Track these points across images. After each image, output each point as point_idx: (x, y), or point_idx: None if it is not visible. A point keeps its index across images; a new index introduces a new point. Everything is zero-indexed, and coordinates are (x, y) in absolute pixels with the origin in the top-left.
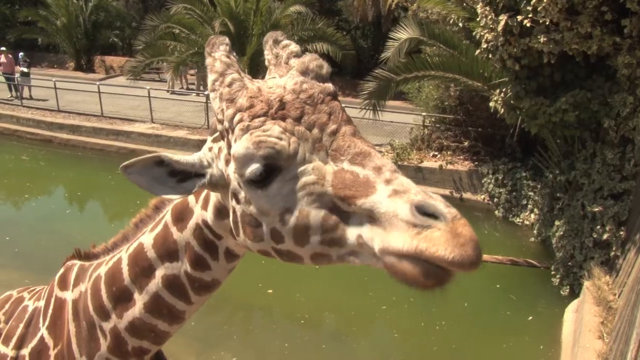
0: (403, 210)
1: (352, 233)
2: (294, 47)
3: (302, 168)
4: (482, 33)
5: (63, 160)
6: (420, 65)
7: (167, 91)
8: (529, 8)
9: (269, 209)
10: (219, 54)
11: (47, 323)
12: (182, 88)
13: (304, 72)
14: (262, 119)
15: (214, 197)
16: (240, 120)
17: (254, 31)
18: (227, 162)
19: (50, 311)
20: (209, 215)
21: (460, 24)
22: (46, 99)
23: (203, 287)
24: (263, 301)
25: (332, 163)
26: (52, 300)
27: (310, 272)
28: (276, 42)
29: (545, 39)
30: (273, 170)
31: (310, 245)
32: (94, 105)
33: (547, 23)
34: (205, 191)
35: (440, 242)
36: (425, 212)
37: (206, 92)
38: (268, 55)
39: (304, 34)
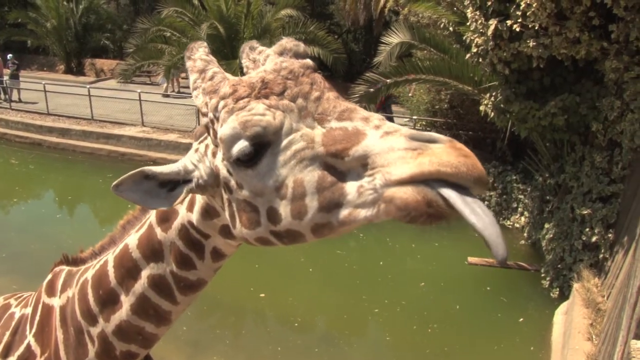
0: (398, 142)
1: (351, 187)
2: (270, 50)
3: (290, 137)
4: (472, 37)
5: (53, 164)
6: (411, 69)
7: (163, 95)
8: (519, 13)
9: (262, 188)
10: (198, 54)
11: (34, 330)
12: (173, 91)
13: (282, 53)
14: (246, 99)
15: (201, 198)
16: (225, 106)
17: (245, 34)
18: (215, 154)
19: (37, 318)
20: (195, 217)
21: (451, 28)
22: (36, 102)
23: (188, 287)
24: (255, 305)
25: (319, 127)
26: (40, 307)
27: (303, 275)
28: (252, 48)
29: (534, 44)
30: (262, 146)
31: (309, 216)
32: (84, 108)
33: (536, 28)
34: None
35: (444, 154)
36: (420, 140)
37: None
38: (245, 62)
39: (295, 38)
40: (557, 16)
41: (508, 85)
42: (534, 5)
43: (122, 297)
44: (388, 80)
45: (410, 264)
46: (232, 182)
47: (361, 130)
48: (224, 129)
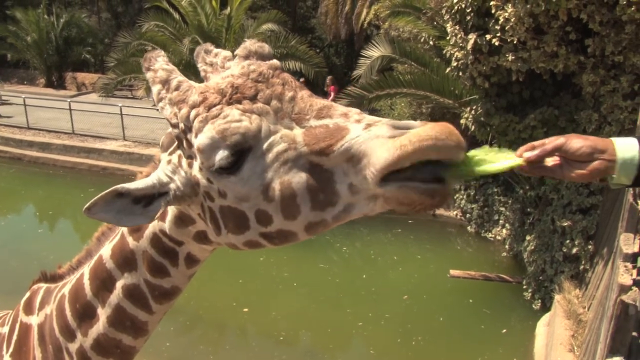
0: (381, 130)
1: (341, 185)
2: (227, 52)
3: (270, 140)
4: (452, 51)
5: (33, 179)
6: (392, 83)
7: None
8: (497, 27)
9: (247, 193)
10: (158, 65)
11: (11, 350)
12: (154, 105)
13: (248, 56)
14: (218, 107)
15: (174, 207)
16: (197, 115)
17: (226, 49)
18: (190, 165)
19: (14, 337)
20: (167, 225)
21: (431, 42)
22: (15, 115)
23: (163, 295)
24: (238, 320)
25: (297, 126)
26: (17, 325)
27: (286, 289)
28: (207, 52)
29: (513, 58)
30: (242, 152)
31: (303, 216)
32: (65, 122)
33: (514, 42)
34: None
35: (421, 130)
36: (401, 127)
37: None
38: (202, 66)
39: (277, 52)
40: (535, 31)
41: (488, 99)
42: (512, 20)
43: (99, 310)
44: (370, 94)
45: (393, 277)
46: (214, 192)
47: (342, 125)
48: (201, 139)
